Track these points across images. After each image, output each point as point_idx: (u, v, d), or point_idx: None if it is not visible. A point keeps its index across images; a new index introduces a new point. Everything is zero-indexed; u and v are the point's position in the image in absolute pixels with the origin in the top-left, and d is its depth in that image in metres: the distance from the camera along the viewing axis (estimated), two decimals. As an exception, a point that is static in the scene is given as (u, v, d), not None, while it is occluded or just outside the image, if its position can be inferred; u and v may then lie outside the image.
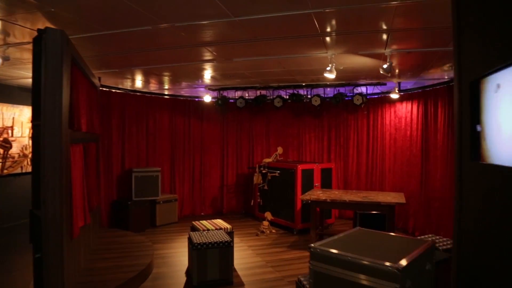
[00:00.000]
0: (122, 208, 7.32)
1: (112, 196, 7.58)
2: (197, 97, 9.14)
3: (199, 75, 6.80)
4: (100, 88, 7.21)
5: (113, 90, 7.62)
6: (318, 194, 6.37)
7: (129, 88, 7.98)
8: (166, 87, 8.13)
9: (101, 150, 7.29)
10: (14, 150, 7.56)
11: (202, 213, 9.12)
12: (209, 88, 8.35)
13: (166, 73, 6.70)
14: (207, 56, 5.28)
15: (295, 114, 9.22)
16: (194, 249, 4.59)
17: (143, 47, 4.81)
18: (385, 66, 4.87)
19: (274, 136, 9.38)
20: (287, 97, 8.12)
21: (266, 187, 7.86)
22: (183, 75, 6.91)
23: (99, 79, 7.11)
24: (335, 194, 6.37)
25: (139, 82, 7.52)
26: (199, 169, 9.11)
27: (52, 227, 3.25)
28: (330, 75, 5.17)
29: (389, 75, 5.18)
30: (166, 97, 8.72)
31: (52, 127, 3.31)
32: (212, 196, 9.28)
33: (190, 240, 4.89)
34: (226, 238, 4.78)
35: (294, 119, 9.25)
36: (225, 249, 4.72)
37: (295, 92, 7.97)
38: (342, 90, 7.87)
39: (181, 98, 8.99)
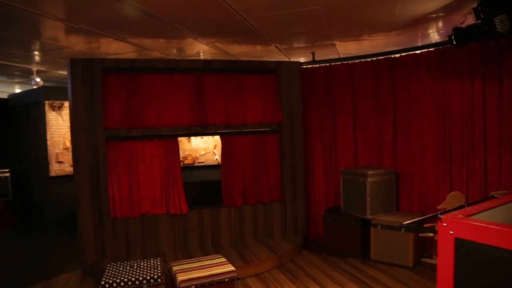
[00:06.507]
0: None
1: (332, 203, 5.82)
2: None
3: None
4: (311, 66, 5.91)
5: (335, 64, 5.77)
6: None
7: (358, 54, 5.65)
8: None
9: (321, 142, 5.91)
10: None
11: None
12: None
13: None
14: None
15: None
16: None
17: None
18: None
19: None
20: None
21: None
22: None
23: (313, 54, 5.91)
24: None
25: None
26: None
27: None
28: None
29: None
30: (422, 51, 5.04)
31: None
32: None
33: None
34: None
35: None
36: None
37: None
38: None
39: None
